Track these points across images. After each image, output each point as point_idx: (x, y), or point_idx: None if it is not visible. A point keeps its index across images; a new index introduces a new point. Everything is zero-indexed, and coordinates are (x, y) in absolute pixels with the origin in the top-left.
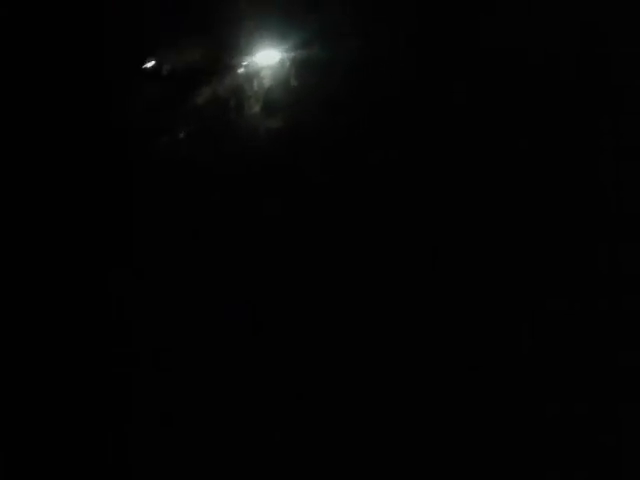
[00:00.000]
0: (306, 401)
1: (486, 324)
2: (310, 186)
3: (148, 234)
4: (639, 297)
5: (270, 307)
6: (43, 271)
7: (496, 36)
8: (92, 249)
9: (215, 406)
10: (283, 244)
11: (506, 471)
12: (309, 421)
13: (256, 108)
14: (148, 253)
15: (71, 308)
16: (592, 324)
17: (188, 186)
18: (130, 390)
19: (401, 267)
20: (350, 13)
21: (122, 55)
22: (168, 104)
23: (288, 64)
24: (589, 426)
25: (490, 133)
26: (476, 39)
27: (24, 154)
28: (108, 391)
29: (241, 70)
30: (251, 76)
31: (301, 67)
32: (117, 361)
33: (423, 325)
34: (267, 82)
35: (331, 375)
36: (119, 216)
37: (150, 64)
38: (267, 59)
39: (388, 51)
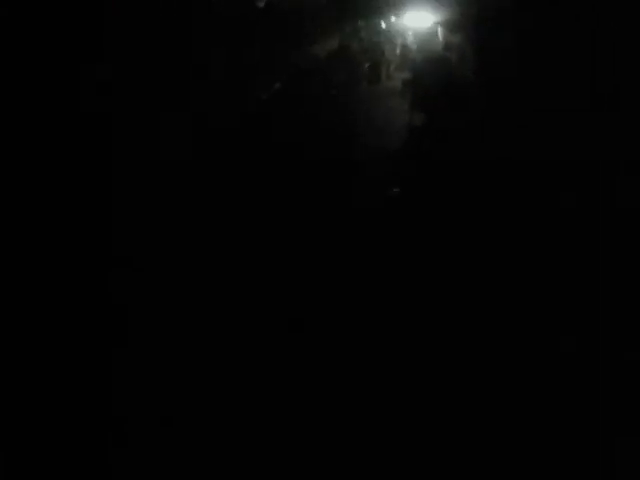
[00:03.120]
0: (305, 402)
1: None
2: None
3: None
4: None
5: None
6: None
7: None
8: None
9: (214, 406)
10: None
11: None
12: (308, 421)
13: (394, 78)
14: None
15: (72, 307)
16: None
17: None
18: (130, 390)
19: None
20: None
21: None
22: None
23: (440, 29)
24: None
25: None
26: None
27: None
28: (108, 391)
29: (382, 25)
30: (393, 35)
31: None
32: (119, 361)
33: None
34: (413, 47)
35: (333, 375)
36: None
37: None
38: (416, 19)
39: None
